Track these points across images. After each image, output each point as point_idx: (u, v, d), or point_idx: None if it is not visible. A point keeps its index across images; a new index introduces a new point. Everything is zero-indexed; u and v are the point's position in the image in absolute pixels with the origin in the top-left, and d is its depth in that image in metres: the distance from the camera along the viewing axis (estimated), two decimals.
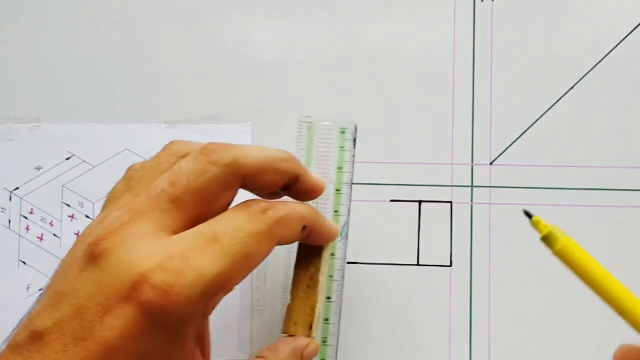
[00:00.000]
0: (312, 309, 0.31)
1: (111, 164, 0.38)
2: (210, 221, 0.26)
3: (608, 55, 0.37)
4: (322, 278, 0.31)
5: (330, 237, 0.31)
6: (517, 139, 0.37)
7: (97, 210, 0.38)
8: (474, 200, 0.37)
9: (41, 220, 0.38)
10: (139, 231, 0.25)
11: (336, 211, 0.33)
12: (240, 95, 0.38)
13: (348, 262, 0.35)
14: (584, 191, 0.36)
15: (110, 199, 0.29)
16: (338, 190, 0.33)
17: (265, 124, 0.38)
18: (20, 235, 0.38)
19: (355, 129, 0.34)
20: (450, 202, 0.37)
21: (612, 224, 0.36)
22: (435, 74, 0.38)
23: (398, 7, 0.38)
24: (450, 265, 0.36)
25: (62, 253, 0.37)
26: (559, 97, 0.37)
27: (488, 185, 0.37)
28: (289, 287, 0.32)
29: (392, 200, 0.37)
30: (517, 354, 0.35)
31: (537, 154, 0.37)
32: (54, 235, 0.38)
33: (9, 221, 0.38)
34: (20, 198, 0.38)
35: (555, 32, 0.37)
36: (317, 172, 0.32)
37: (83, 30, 0.39)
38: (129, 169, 0.30)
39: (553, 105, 0.37)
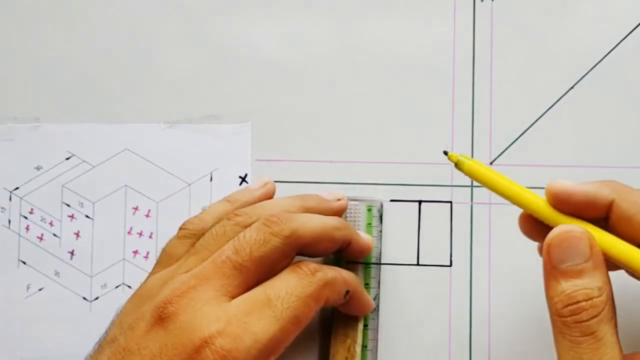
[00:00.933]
0: None
1: (111, 164, 0.38)
2: (264, 285, 0.28)
3: (608, 55, 0.37)
4: (358, 349, 0.33)
5: (367, 309, 0.34)
6: (517, 139, 0.37)
7: (97, 210, 0.38)
8: (474, 200, 0.37)
9: (41, 220, 0.38)
10: (203, 296, 0.27)
11: (367, 284, 0.35)
12: (240, 95, 0.38)
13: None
14: None
15: (168, 255, 0.31)
16: (368, 264, 0.35)
17: (265, 124, 0.38)
18: (20, 235, 0.38)
19: (382, 206, 0.36)
20: (450, 202, 0.37)
21: None
22: (435, 73, 0.38)
23: (398, 7, 0.38)
24: (450, 265, 0.36)
25: (62, 253, 0.38)
26: (559, 97, 0.37)
27: None
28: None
29: (392, 200, 0.37)
30: (517, 354, 0.35)
31: (537, 154, 0.37)
32: (54, 235, 0.38)
33: (9, 221, 0.38)
34: (20, 198, 0.38)
35: (555, 32, 0.37)
36: None
37: (83, 30, 0.39)
38: (183, 228, 0.32)
39: (553, 105, 0.37)
